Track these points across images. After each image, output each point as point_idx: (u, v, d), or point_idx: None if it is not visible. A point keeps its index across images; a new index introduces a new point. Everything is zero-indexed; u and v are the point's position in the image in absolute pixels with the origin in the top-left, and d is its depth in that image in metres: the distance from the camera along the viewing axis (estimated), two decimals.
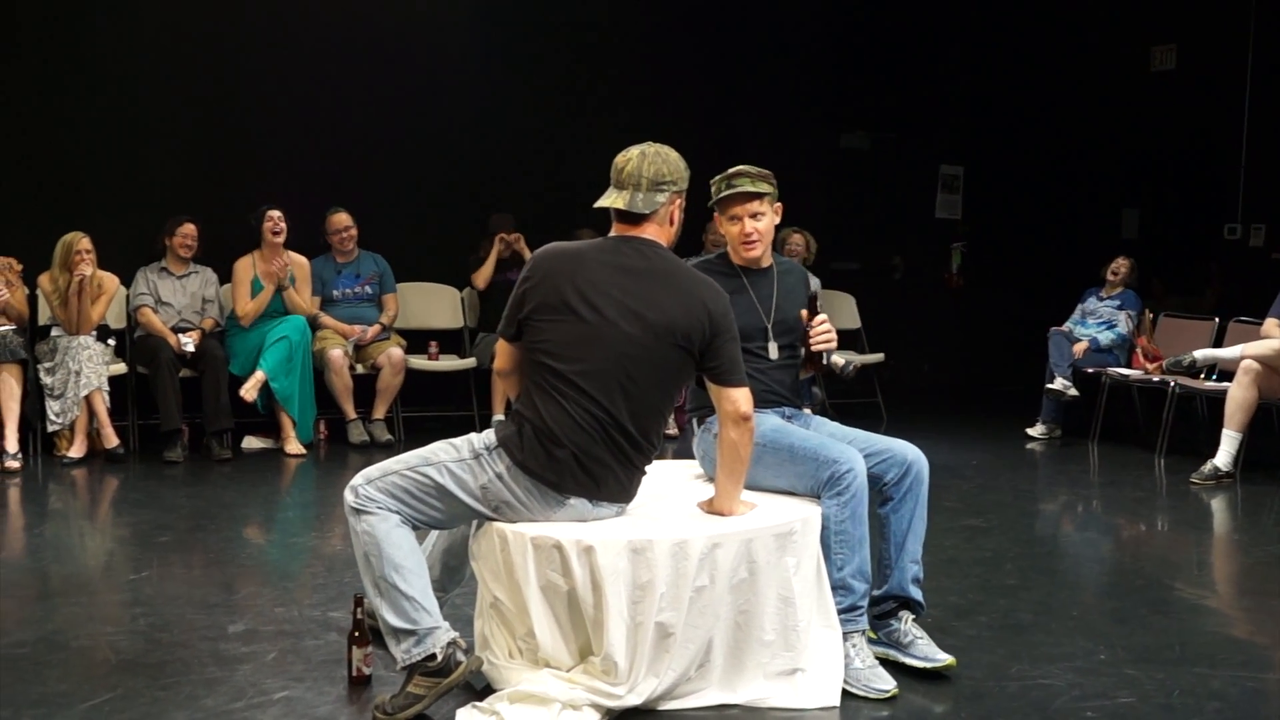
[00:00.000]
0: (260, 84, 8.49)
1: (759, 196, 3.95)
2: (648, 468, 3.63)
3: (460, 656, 3.35)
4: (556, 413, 3.41)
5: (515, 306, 3.55)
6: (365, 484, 3.45)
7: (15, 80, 7.92)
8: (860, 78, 10.68)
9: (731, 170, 3.98)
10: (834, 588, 3.65)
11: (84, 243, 7.25)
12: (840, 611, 3.65)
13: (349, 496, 3.45)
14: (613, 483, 3.49)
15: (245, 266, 7.83)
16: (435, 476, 3.43)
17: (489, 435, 3.51)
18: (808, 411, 4.19)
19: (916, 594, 3.84)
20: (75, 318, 7.21)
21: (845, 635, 3.65)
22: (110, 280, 7.52)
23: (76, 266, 7.18)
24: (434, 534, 3.82)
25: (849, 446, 3.74)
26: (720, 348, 3.48)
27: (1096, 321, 8.75)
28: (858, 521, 3.64)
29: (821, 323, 3.97)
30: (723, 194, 3.97)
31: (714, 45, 9.97)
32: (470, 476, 3.44)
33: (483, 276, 8.60)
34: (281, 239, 7.82)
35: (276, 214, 7.81)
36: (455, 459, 3.46)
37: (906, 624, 3.83)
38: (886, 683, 3.59)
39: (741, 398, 3.48)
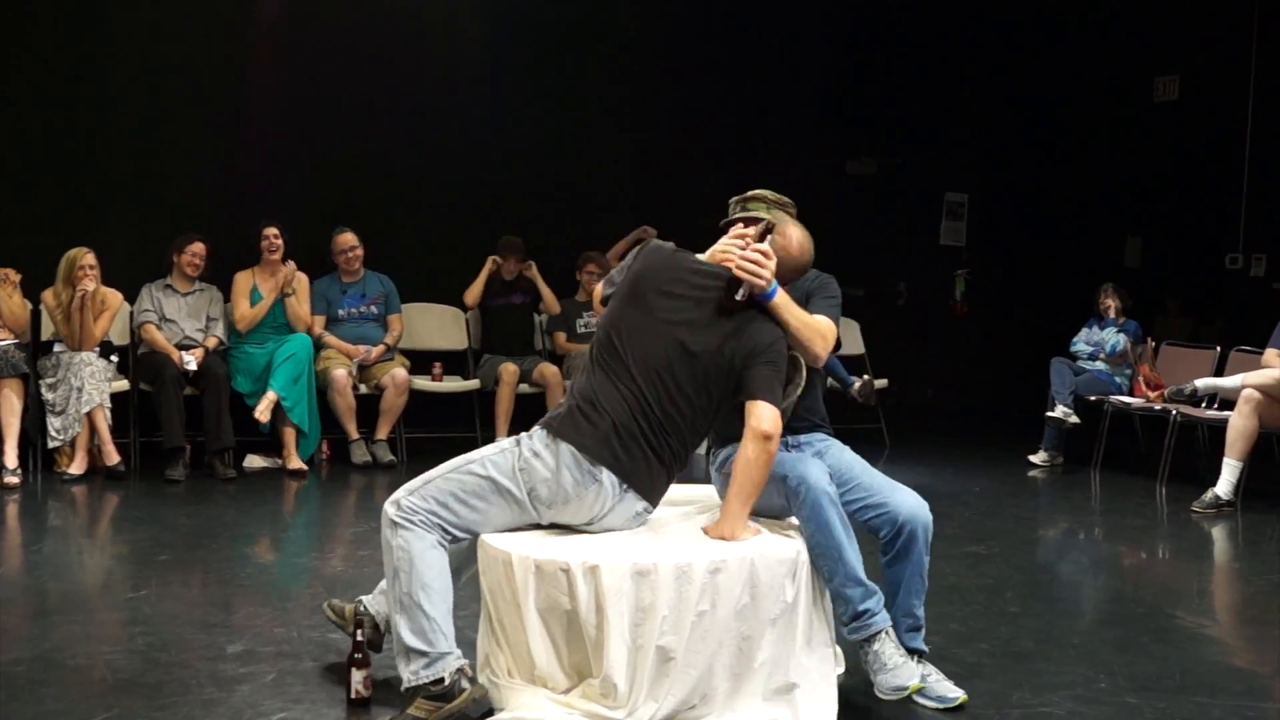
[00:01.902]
0: (268, 103, 8.52)
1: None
2: (674, 477, 3.67)
3: (465, 684, 3.35)
4: (605, 385, 3.54)
5: (621, 279, 3.72)
6: (408, 495, 3.49)
7: (24, 95, 7.95)
8: (867, 105, 10.71)
9: (750, 193, 3.97)
10: (832, 599, 3.66)
11: (88, 258, 7.26)
12: (847, 622, 3.65)
13: (390, 510, 3.48)
14: (643, 469, 3.52)
15: (245, 277, 7.92)
16: (476, 470, 3.49)
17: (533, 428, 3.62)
18: (822, 435, 4.07)
19: (911, 642, 3.81)
20: (78, 333, 7.21)
21: (864, 643, 3.66)
22: (114, 296, 7.52)
23: (79, 281, 7.19)
24: None
25: (806, 459, 3.72)
26: (756, 367, 3.53)
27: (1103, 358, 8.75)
28: (826, 531, 3.57)
29: (750, 246, 3.65)
30: (734, 215, 3.94)
31: (722, 72, 10.00)
32: (508, 461, 3.50)
33: (471, 294, 8.64)
34: (278, 255, 7.87)
35: (272, 231, 7.88)
36: (495, 451, 3.55)
37: (915, 665, 3.81)
38: (907, 677, 3.63)
39: (766, 414, 3.47)
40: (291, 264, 7.88)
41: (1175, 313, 10.45)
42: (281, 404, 7.52)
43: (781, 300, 3.67)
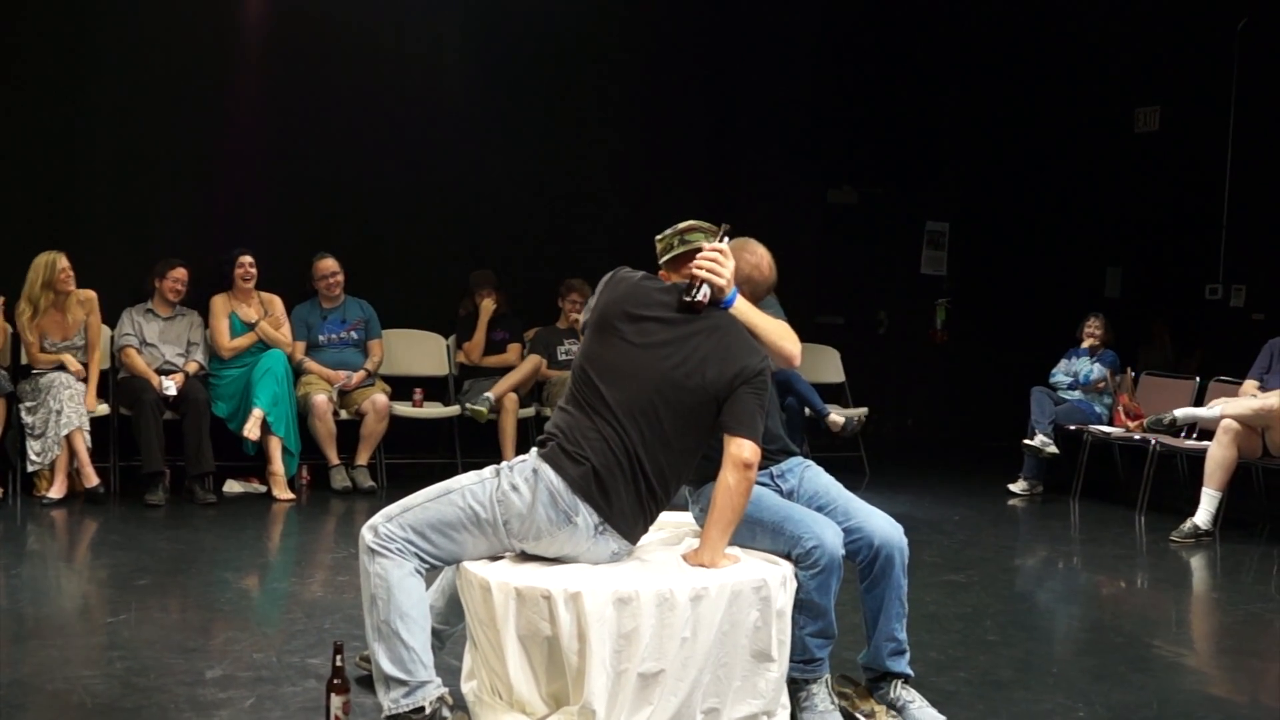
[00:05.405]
0: (249, 129, 8.49)
1: None
2: (658, 516, 3.64)
3: (445, 713, 3.35)
4: (585, 426, 3.47)
5: (595, 306, 3.63)
6: (385, 522, 3.46)
7: (2, 120, 7.93)
8: (849, 134, 10.76)
9: (683, 225, 3.80)
10: (792, 642, 3.65)
11: (63, 261, 7.28)
12: (795, 660, 3.65)
13: (367, 536, 3.45)
14: (622, 510, 3.47)
15: (222, 303, 7.90)
16: (455, 500, 3.45)
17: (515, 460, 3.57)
18: (799, 460, 4.09)
19: (895, 666, 3.84)
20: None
21: (805, 682, 3.68)
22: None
23: (61, 286, 7.24)
24: (446, 571, 3.79)
25: (820, 519, 3.70)
26: (740, 398, 3.48)
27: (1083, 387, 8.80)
28: (824, 593, 3.62)
29: (714, 248, 3.61)
30: (677, 251, 3.77)
31: (704, 102, 10.05)
32: (486, 491, 3.45)
33: (477, 348, 8.62)
34: (252, 284, 7.91)
35: (248, 260, 7.89)
36: (475, 480, 3.50)
37: (896, 689, 3.83)
38: None
39: (747, 446, 3.46)
40: (260, 311, 7.95)
41: (1162, 338, 10.50)
42: (265, 420, 7.51)
43: (744, 305, 3.65)
